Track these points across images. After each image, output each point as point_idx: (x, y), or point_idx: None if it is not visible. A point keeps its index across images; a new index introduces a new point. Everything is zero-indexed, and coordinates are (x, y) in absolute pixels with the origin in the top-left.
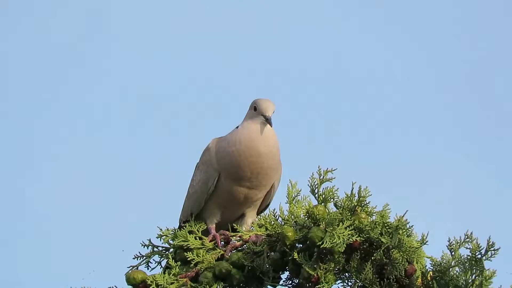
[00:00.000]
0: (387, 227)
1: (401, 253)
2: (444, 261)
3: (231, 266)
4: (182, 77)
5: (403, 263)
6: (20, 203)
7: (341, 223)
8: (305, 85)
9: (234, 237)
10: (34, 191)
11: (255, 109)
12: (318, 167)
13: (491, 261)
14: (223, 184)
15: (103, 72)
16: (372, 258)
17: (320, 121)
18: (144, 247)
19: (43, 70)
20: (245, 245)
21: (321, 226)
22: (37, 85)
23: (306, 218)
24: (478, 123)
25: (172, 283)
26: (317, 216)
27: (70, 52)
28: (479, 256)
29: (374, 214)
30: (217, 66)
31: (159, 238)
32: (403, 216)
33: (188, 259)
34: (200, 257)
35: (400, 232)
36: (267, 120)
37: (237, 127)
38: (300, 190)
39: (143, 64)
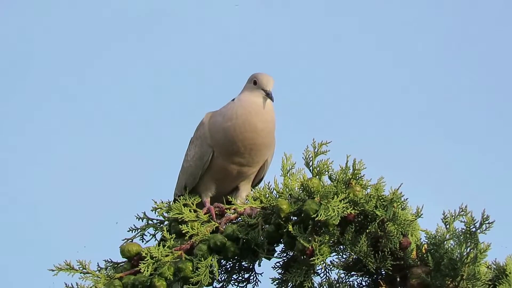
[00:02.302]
0: (382, 200)
1: (396, 226)
2: (438, 234)
3: (226, 239)
4: (177, 52)
5: (397, 236)
6: (13, 174)
7: (335, 196)
8: (299, 59)
9: (229, 210)
10: (27, 162)
11: (254, 83)
12: (313, 140)
13: (485, 234)
14: (217, 159)
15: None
16: (367, 231)
17: (315, 94)
18: (138, 220)
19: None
20: (240, 218)
21: (315, 199)
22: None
23: (301, 191)
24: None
25: (167, 256)
26: (312, 189)
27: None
28: (474, 229)
29: (369, 187)
30: (211, 40)
31: (153, 211)
32: (398, 189)
33: (183, 231)
34: (194, 229)
35: (395, 205)
36: (268, 95)
37: (232, 100)
38: (295, 163)
39: (140, 39)
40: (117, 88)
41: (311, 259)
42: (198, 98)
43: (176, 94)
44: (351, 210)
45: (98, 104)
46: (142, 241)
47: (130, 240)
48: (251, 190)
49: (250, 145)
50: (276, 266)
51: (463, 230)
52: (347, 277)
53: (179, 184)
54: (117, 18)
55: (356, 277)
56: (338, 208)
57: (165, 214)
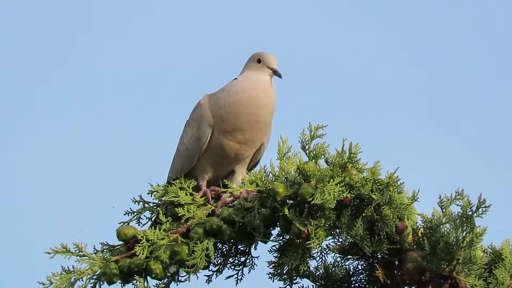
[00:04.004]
0: (378, 184)
1: (392, 210)
2: (435, 218)
3: (222, 222)
4: (171, 36)
5: (394, 219)
6: (11, 157)
7: (331, 179)
8: (295, 42)
9: (225, 193)
10: (25, 146)
11: (259, 61)
12: (309, 123)
13: (482, 218)
14: (215, 139)
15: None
16: (363, 214)
17: (312, 79)
18: (135, 203)
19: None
20: (236, 201)
21: (311, 182)
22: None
23: (297, 175)
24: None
25: (162, 239)
26: (308, 172)
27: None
28: (470, 213)
29: (365, 170)
30: (206, 25)
31: (150, 194)
32: (394, 173)
33: (179, 214)
34: (191, 212)
35: (391, 189)
36: (276, 72)
37: (235, 79)
38: (291, 147)
39: (134, 22)
40: (112, 74)
41: (307, 242)
42: (191, 82)
43: (170, 78)
44: (347, 193)
45: (93, 90)
46: (138, 225)
47: (126, 223)
48: (247, 174)
49: (254, 121)
50: (272, 250)
51: (460, 214)
52: (343, 260)
53: (174, 167)
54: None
55: (352, 261)
56: (334, 191)
57: (161, 198)
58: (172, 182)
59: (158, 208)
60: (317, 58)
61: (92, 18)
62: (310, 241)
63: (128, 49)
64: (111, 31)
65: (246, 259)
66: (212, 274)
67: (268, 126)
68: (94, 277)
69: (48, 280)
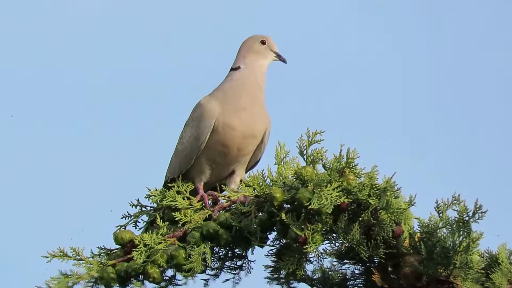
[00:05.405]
0: (375, 189)
1: (389, 215)
2: (431, 222)
3: (219, 226)
4: (167, 36)
5: (390, 224)
6: (9, 159)
7: (329, 184)
8: (295, 45)
9: (222, 198)
10: (23, 148)
11: (263, 43)
12: (307, 128)
13: (478, 223)
14: (218, 135)
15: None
16: (360, 219)
17: (310, 83)
18: (132, 207)
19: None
20: (233, 206)
21: (309, 187)
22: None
23: (294, 179)
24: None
25: (159, 243)
26: (305, 177)
27: None
28: (467, 218)
29: (362, 175)
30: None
31: (147, 198)
32: (391, 177)
33: (176, 219)
34: (187, 217)
35: (388, 193)
36: (280, 57)
37: (237, 68)
38: (289, 151)
39: (128, 18)
40: (108, 71)
41: (304, 247)
42: (191, 85)
43: (170, 80)
44: (344, 198)
45: (92, 92)
46: (135, 228)
47: (123, 227)
48: (246, 175)
49: (255, 99)
50: (269, 254)
51: (456, 219)
52: (339, 265)
53: (171, 167)
54: None
55: (349, 265)
56: (331, 196)
57: (159, 202)
58: (170, 185)
59: (155, 212)
60: (315, 60)
61: (96, 20)
62: (307, 246)
63: (127, 49)
64: (108, 30)
65: (243, 263)
66: (209, 278)
67: (264, 109)
68: (92, 281)
69: (46, 284)
